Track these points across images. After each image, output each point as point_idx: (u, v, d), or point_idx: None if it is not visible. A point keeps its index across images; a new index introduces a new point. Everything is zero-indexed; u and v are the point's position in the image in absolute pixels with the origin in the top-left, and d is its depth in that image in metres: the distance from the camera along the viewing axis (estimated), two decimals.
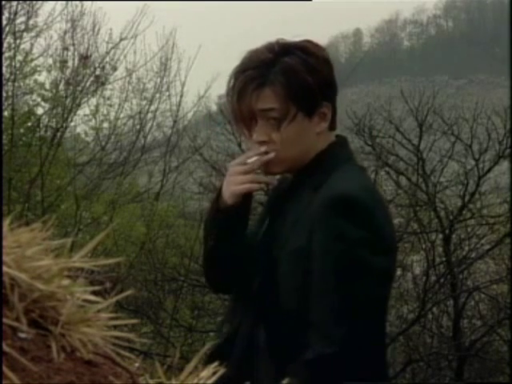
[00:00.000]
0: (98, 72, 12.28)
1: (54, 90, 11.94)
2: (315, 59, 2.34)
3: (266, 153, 2.31)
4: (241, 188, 2.33)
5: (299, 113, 2.31)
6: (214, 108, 15.46)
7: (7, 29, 11.12)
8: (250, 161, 2.33)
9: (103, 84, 12.49)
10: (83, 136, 13.15)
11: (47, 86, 12.05)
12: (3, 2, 10.82)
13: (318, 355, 2.15)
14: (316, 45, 2.40)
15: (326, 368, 2.16)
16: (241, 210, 2.38)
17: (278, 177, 2.54)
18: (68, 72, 12.05)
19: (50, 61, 12.20)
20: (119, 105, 13.19)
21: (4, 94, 10.64)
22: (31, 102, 11.99)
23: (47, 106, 11.91)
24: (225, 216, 2.37)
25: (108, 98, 12.94)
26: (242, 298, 2.38)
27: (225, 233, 2.38)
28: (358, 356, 2.20)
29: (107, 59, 12.49)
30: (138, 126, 13.46)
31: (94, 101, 12.60)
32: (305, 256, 2.21)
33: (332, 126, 2.40)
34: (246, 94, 2.29)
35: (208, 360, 1.13)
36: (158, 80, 13.74)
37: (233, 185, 2.35)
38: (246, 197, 2.38)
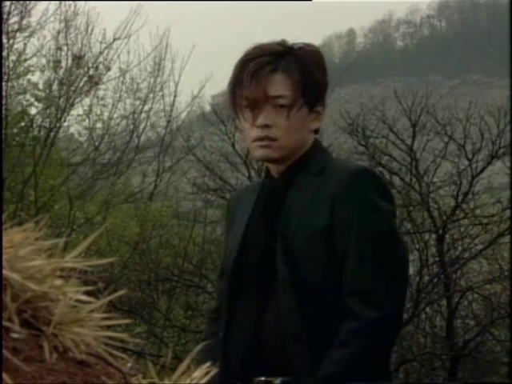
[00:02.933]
0: (91, 72, 12.27)
1: (48, 90, 11.93)
2: (320, 59, 2.42)
3: (268, 138, 2.35)
4: None
5: (304, 105, 2.36)
6: (208, 108, 15.46)
7: None
8: None
9: (97, 84, 12.48)
10: (77, 136, 13.16)
11: (40, 86, 12.04)
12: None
13: (369, 321, 2.22)
14: (319, 49, 2.48)
15: (378, 333, 2.25)
16: None
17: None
18: (61, 72, 12.04)
19: (44, 61, 12.20)
20: (113, 105, 13.19)
21: None
22: (24, 102, 11.98)
23: (40, 105, 11.90)
24: None
25: (101, 98, 12.94)
26: (246, 291, 2.38)
27: None
28: (399, 319, 2.39)
29: (101, 59, 12.49)
30: (131, 126, 13.46)
31: (87, 101, 12.60)
32: (329, 235, 2.28)
33: (317, 130, 2.47)
34: (261, 77, 2.33)
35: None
36: (152, 80, 13.75)
37: None
38: None
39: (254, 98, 2.34)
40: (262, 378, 2.25)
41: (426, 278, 10.56)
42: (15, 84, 11.78)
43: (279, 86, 2.34)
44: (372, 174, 2.42)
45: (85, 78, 12.16)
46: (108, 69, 12.66)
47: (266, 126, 2.34)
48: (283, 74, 2.34)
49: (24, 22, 11.73)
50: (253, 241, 2.41)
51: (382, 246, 2.29)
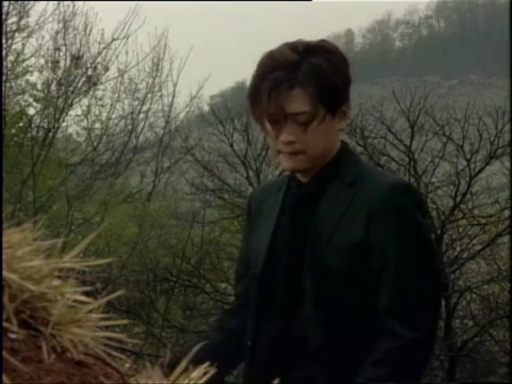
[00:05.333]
0: (89, 72, 12.28)
1: (46, 91, 11.93)
2: (337, 59, 2.35)
3: (294, 153, 2.29)
4: None
5: (327, 114, 2.29)
6: (206, 108, 15.49)
7: None
8: None
9: (95, 84, 12.48)
10: (75, 136, 13.17)
11: (39, 87, 12.04)
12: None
13: (408, 342, 2.18)
14: (334, 44, 2.41)
15: (417, 354, 2.21)
16: None
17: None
18: (60, 72, 12.04)
19: (42, 61, 12.20)
20: (111, 105, 13.20)
21: None
22: (23, 103, 11.98)
23: (39, 106, 11.90)
24: None
25: (100, 99, 12.94)
26: (268, 300, 2.35)
27: None
28: (435, 338, 2.37)
29: (99, 59, 12.49)
30: (129, 127, 13.47)
31: (85, 101, 12.61)
32: (363, 249, 2.22)
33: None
34: (278, 95, 2.26)
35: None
36: (150, 80, 13.77)
37: None
38: None
39: (273, 115, 2.27)
40: None
41: None
42: (13, 84, 11.78)
43: (298, 102, 2.26)
44: (410, 189, 2.39)
45: (83, 79, 12.17)
46: (106, 69, 12.67)
47: (291, 143, 2.28)
48: (300, 88, 2.26)
49: (22, 22, 11.74)
50: (280, 249, 2.37)
51: (422, 264, 2.24)
